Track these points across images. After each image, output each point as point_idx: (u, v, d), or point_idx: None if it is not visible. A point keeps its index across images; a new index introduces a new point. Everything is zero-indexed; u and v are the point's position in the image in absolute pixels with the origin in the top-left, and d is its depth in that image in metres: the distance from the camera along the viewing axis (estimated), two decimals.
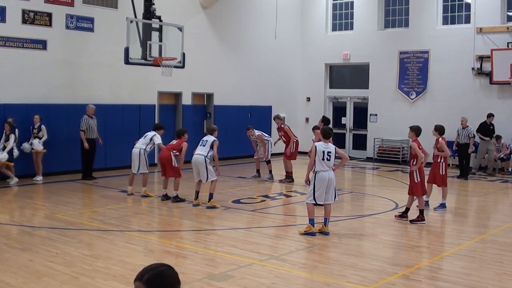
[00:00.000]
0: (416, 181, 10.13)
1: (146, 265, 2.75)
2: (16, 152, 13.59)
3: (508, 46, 18.11)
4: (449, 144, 19.05)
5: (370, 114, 21.35)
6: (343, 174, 17.67)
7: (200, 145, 11.47)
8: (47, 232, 8.99)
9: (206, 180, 11.22)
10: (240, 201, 12.08)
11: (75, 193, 12.85)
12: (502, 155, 17.72)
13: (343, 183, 15.38)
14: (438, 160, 11.31)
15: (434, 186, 11.63)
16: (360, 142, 21.92)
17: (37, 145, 14.01)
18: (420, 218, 10.07)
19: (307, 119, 22.64)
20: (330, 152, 8.85)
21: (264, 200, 12.34)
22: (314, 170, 8.86)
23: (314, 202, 8.91)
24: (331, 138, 9.26)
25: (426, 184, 10.63)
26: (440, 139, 11.33)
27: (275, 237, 9.16)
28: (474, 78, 18.94)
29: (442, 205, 11.36)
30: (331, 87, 22.77)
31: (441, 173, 11.28)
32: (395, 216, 10.42)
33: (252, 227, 9.68)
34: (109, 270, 7.00)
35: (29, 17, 14.56)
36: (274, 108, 21.15)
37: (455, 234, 9.53)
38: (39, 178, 14.15)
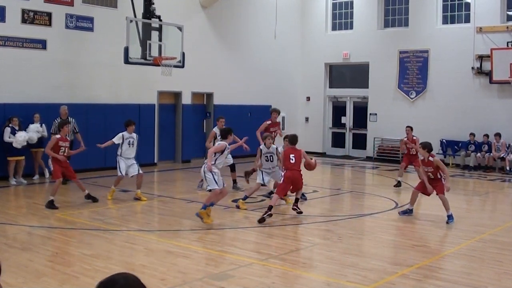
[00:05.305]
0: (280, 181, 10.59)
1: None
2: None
3: (508, 46, 18.12)
4: (457, 144, 19.24)
5: (370, 114, 21.35)
6: (343, 173, 17.68)
7: None
8: (47, 232, 9.00)
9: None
10: None
11: (75, 192, 12.83)
12: (502, 154, 17.72)
13: (343, 183, 15.37)
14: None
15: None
16: (360, 142, 21.91)
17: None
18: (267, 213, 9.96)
19: (307, 119, 22.65)
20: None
21: (264, 200, 12.32)
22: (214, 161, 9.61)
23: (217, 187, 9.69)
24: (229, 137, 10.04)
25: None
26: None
27: (275, 237, 9.16)
28: (474, 78, 18.94)
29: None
30: (331, 86, 22.77)
31: None
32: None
33: (252, 227, 9.68)
34: (109, 270, 6.98)
35: (29, 17, 14.55)
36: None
37: (455, 234, 9.52)
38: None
